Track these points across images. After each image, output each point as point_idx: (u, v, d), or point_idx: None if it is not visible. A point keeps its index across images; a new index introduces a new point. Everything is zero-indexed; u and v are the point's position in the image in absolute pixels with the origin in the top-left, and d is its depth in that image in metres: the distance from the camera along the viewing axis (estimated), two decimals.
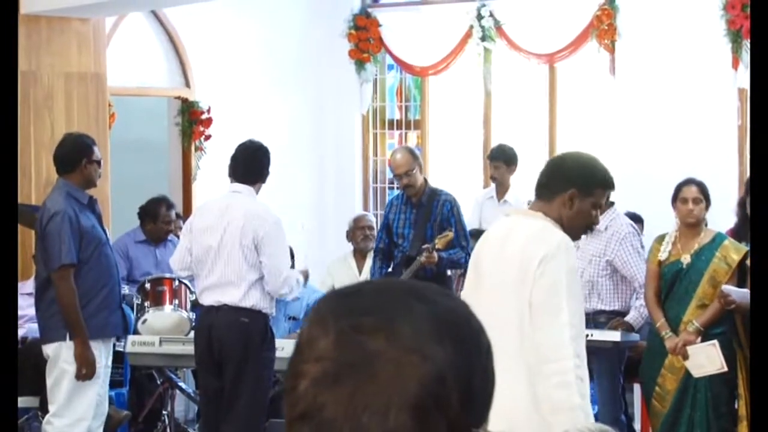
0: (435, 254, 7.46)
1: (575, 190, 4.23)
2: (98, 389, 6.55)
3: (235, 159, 6.76)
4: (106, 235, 6.71)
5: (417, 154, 7.85)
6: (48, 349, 6.52)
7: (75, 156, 6.58)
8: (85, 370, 6.41)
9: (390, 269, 7.83)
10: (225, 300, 6.55)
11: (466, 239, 7.69)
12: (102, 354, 6.53)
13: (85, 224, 6.46)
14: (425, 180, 7.82)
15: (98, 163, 6.64)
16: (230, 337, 6.53)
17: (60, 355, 6.44)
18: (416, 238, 7.63)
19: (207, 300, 6.66)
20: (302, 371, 1.33)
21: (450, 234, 7.48)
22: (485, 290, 4.26)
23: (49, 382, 6.55)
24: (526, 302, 4.10)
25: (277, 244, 6.56)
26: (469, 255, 7.75)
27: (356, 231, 9.24)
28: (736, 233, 7.09)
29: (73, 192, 6.50)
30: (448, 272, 7.97)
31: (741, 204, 7.27)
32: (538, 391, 4.08)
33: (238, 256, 6.51)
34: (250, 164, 6.69)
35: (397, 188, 7.81)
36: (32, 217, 6.90)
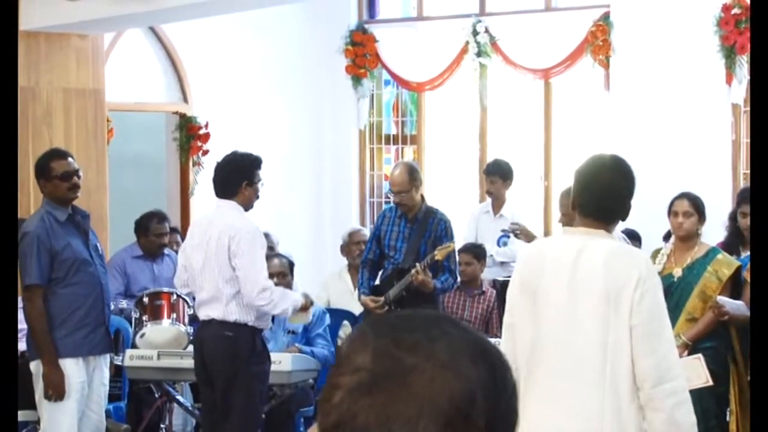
0: (429, 276, 7.48)
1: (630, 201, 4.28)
2: (77, 405, 6.49)
3: (212, 176, 6.89)
4: (97, 251, 6.67)
5: (416, 173, 7.76)
6: (32, 366, 6.54)
7: (37, 178, 6.60)
8: (51, 391, 6.38)
9: (377, 281, 7.83)
10: (213, 315, 6.62)
11: (456, 263, 7.76)
12: (82, 371, 6.50)
13: (58, 244, 6.40)
14: (422, 197, 7.83)
15: (61, 177, 6.45)
16: (218, 351, 6.59)
17: (40, 372, 6.47)
18: (410, 251, 7.65)
19: (201, 315, 6.75)
20: (338, 383, 1.37)
21: (452, 245, 7.51)
22: (552, 315, 4.12)
23: (36, 398, 6.55)
24: (617, 326, 4.01)
25: (250, 253, 6.52)
26: (457, 279, 7.86)
27: (351, 246, 9.25)
28: (727, 246, 7.12)
29: (52, 210, 6.46)
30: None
31: (731, 217, 7.30)
32: (651, 415, 4.04)
33: (216, 272, 6.58)
34: (223, 179, 6.76)
35: (393, 202, 7.84)
36: None
